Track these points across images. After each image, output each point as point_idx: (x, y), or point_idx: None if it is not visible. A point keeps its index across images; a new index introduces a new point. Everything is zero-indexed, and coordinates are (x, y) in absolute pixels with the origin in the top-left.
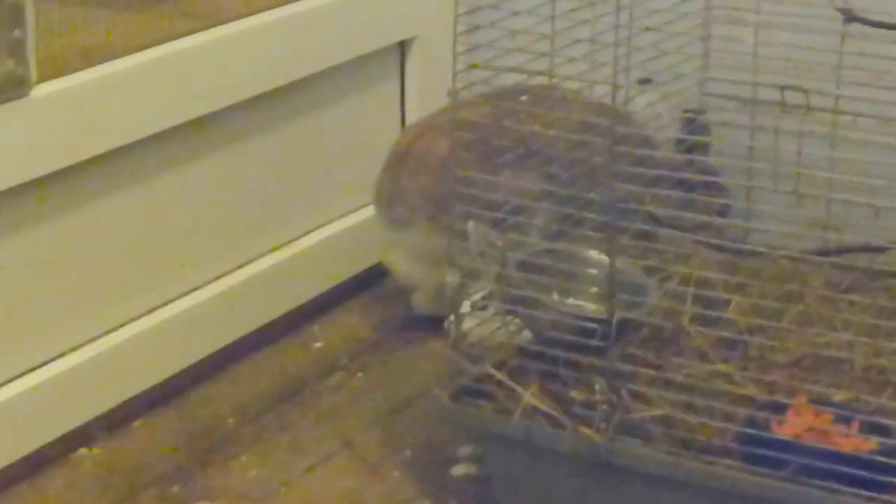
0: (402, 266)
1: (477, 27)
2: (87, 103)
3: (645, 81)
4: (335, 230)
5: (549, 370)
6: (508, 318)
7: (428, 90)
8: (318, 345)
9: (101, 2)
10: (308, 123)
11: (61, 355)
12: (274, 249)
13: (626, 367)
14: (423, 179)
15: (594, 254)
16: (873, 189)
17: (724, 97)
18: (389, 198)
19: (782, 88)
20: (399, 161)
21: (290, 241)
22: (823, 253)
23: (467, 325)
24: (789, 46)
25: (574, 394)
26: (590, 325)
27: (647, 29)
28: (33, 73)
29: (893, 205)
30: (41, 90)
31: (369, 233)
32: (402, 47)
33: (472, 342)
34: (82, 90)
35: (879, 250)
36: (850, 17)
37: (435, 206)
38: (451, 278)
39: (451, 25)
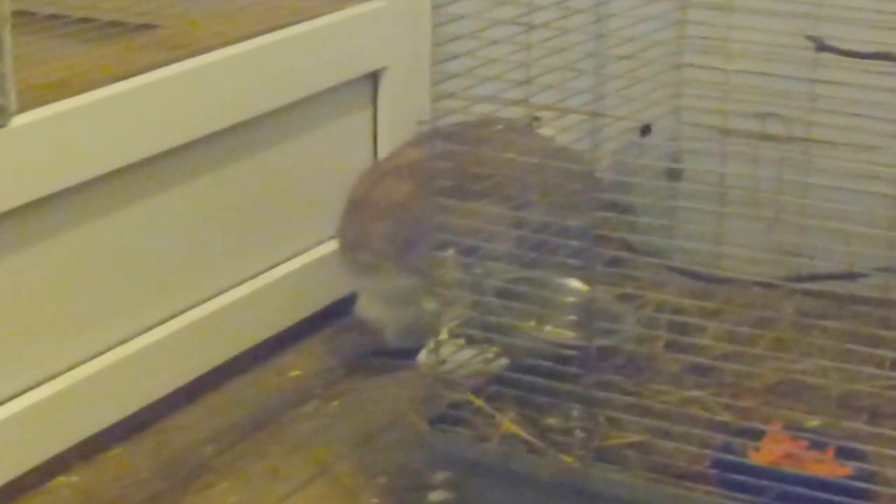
0: (371, 310)
1: (451, 57)
2: (66, 133)
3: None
4: (310, 259)
5: (525, 397)
6: (486, 344)
7: (401, 120)
8: (293, 373)
9: (78, 34)
10: (282, 154)
11: (38, 384)
12: (249, 279)
13: (603, 394)
14: (384, 223)
15: (570, 281)
16: (845, 216)
17: (697, 125)
18: (353, 244)
19: (762, 116)
20: (359, 207)
21: (265, 271)
22: (797, 279)
23: (445, 351)
24: (761, 75)
25: (551, 420)
26: (567, 351)
27: (623, 58)
28: (13, 103)
29: (865, 231)
30: (21, 120)
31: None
32: (375, 78)
33: (449, 369)
34: (61, 120)
35: (852, 277)
36: (820, 45)
37: (398, 249)
38: (429, 305)
39: (424, 54)
